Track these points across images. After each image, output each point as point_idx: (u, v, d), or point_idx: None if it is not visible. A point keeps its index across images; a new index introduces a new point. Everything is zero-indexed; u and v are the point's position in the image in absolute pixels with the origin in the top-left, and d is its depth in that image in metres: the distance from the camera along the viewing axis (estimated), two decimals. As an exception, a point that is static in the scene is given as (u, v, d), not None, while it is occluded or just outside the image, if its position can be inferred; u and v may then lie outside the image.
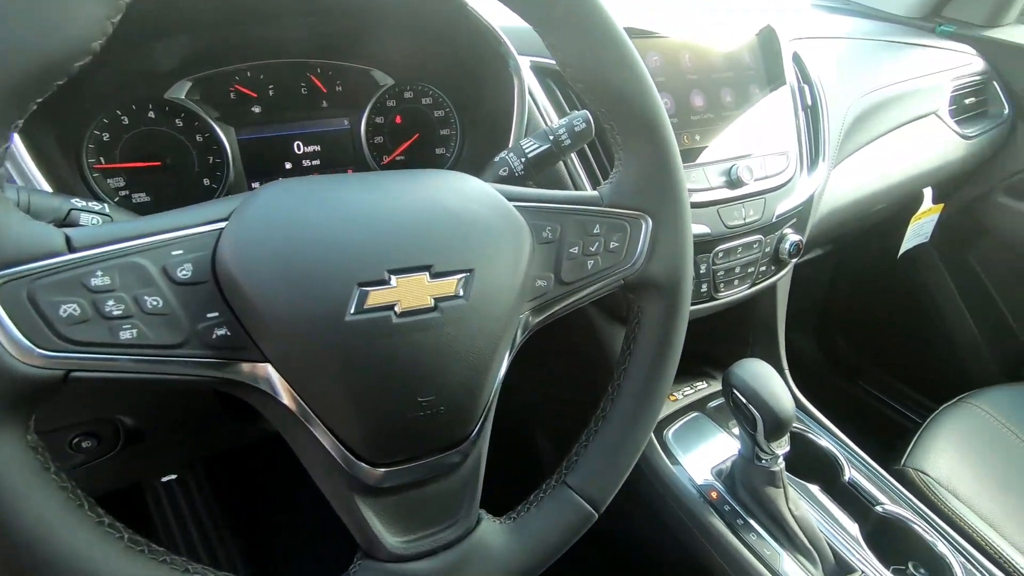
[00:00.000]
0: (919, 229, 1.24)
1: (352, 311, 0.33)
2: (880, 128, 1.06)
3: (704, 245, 0.76)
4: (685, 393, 0.93)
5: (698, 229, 0.74)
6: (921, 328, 1.59)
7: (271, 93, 0.63)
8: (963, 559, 0.75)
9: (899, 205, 1.21)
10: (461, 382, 0.37)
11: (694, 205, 0.73)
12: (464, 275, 0.36)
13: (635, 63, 0.45)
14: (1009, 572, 0.78)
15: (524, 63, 0.67)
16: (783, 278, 0.94)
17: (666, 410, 0.90)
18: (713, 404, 0.92)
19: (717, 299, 0.81)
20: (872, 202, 1.09)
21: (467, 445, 0.40)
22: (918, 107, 1.12)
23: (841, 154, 0.98)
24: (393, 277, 0.34)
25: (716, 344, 1.02)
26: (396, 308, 0.34)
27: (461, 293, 0.36)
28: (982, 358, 1.49)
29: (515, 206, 0.41)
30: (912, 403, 1.64)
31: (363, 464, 0.36)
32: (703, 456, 0.83)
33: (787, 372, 0.98)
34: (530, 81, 0.67)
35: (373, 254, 0.34)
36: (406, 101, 0.69)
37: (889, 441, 1.01)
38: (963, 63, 1.21)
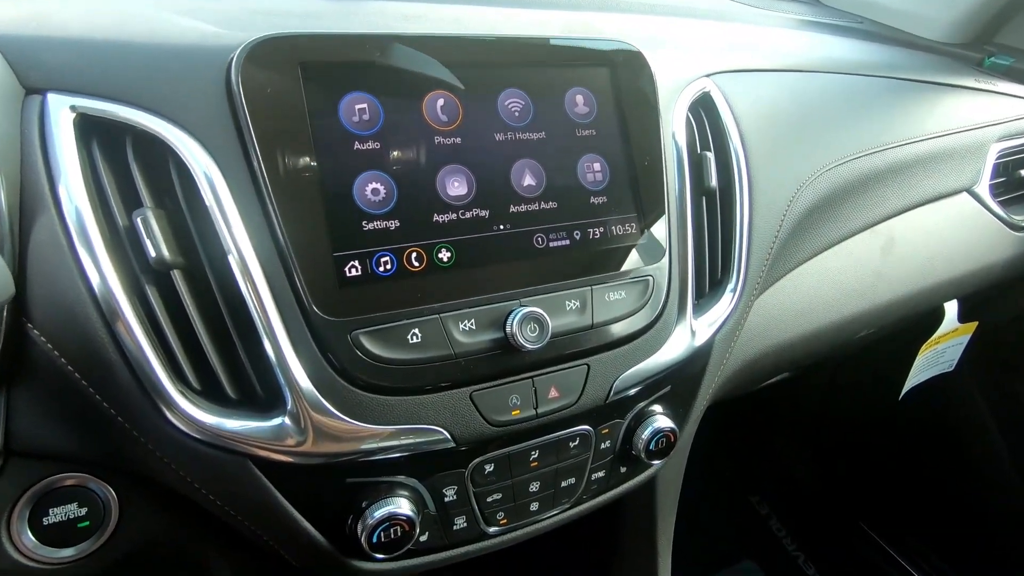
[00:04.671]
0: (936, 357, 0.83)
1: None
2: (867, 216, 0.67)
3: (438, 460, 0.40)
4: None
5: (410, 433, 0.38)
6: (946, 472, 1.15)
7: None
8: None
9: (902, 326, 0.80)
10: None
11: (414, 388, 0.38)
12: None
13: None
14: None
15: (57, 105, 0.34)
16: (673, 461, 0.56)
17: None
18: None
19: (494, 536, 0.45)
20: (850, 328, 0.70)
21: None
22: (939, 182, 0.72)
23: (788, 262, 0.60)
24: None
25: (576, 549, 0.65)
26: None
27: None
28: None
29: None
30: (922, 561, 1.20)
31: None
32: None
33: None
34: (65, 147, 0.34)
35: None
36: None
37: None
38: (1020, 114, 0.81)
